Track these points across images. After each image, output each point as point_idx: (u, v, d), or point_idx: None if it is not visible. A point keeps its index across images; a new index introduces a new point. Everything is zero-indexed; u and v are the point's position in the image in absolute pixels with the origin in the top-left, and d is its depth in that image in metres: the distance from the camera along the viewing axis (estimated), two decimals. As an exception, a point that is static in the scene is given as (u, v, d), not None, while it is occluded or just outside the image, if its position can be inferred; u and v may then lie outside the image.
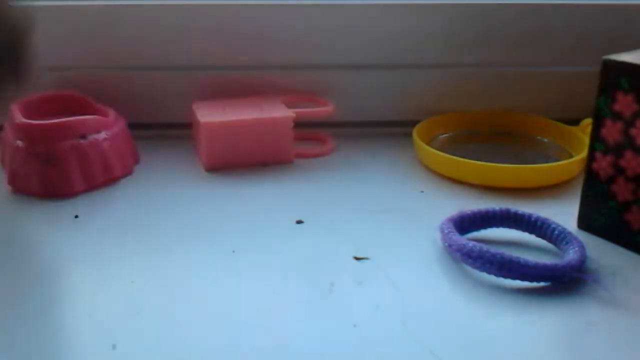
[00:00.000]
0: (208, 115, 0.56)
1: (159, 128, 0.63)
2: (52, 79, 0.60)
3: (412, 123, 0.60)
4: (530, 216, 0.45)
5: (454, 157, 0.54)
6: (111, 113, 0.55)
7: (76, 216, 0.48)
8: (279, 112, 0.57)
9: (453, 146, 0.60)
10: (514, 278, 0.40)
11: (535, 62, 0.65)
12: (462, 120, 0.63)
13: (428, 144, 0.58)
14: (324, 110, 0.60)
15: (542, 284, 0.40)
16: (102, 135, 0.53)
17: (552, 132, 0.61)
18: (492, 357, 0.35)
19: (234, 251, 0.44)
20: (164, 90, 0.62)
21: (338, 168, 0.57)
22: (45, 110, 0.56)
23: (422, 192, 0.53)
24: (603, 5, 0.63)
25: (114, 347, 0.35)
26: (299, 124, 0.57)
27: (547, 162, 0.56)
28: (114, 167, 0.53)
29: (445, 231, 0.43)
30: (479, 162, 0.53)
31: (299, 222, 0.48)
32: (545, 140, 0.61)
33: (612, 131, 0.43)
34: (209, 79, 0.62)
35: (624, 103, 0.42)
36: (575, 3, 0.63)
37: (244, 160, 0.56)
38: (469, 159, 0.53)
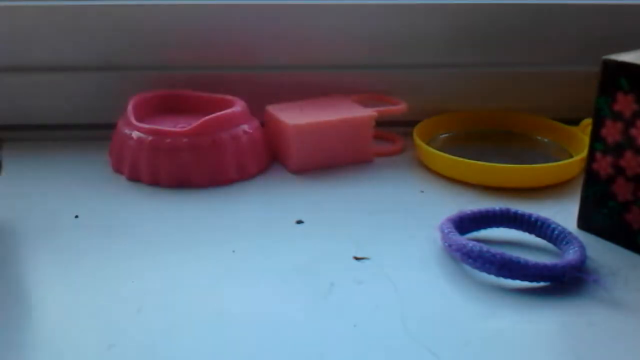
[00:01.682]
0: (291, 117, 0.56)
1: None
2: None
3: (412, 123, 0.60)
4: (530, 216, 0.45)
5: (454, 157, 0.54)
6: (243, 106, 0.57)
7: (76, 216, 0.48)
8: (361, 111, 0.58)
9: (453, 146, 0.60)
10: (514, 278, 0.40)
11: (535, 62, 0.64)
12: (462, 120, 0.63)
13: (428, 144, 0.58)
14: (398, 108, 0.60)
15: (542, 284, 0.40)
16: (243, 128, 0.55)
17: (552, 132, 0.61)
18: (492, 357, 0.35)
19: (234, 251, 0.44)
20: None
21: (337, 168, 0.57)
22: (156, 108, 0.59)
23: (422, 192, 0.53)
24: (603, 5, 0.63)
25: (112, 347, 0.35)
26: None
27: (547, 162, 0.56)
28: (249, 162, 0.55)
29: (445, 231, 0.43)
30: (479, 162, 0.53)
31: (299, 222, 0.48)
32: (545, 140, 0.61)
33: (612, 131, 0.43)
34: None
35: (624, 103, 0.42)
36: (575, 3, 0.63)
37: (328, 161, 0.57)
38: (469, 159, 0.53)
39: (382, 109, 0.59)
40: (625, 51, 0.44)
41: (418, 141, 0.57)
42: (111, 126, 0.58)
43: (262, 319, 0.37)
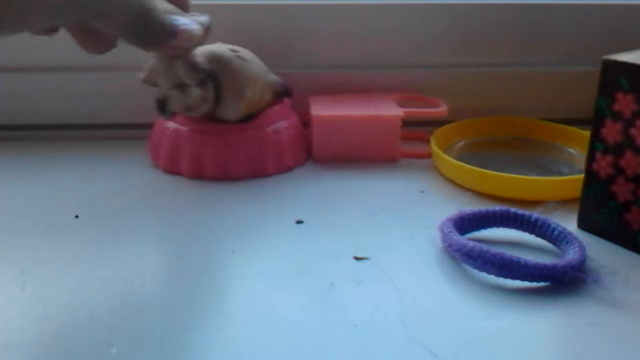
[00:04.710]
0: (320, 109, 0.58)
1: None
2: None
3: (410, 123, 0.60)
4: (530, 216, 0.45)
5: (473, 167, 0.52)
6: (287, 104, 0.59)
7: (76, 216, 0.48)
8: (389, 110, 0.58)
9: (474, 154, 0.59)
10: (514, 278, 0.40)
11: (535, 62, 0.65)
12: (482, 127, 0.61)
13: (446, 151, 0.56)
14: (435, 111, 0.59)
15: (542, 284, 0.40)
16: (283, 124, 0.57)
17: (578, 140, 0.58)
18: (492, 357, 0.35)
19: (234, 251, 0.44)
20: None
21: (337, 168, 0.57)
22: None
23: (422, 192, 0.53)
24: (603, 5, 0.63)
25: (111, 346, 0.35)
26: (409, 124, 0.58)
27: (571, 172, 0.54)
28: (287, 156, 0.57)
29: (445, 231, 0.43)
30: (503, 174, 0.50)
31: (299, 222, 0.48)
32: (571, 150, 0.59)
33: (612, 131, 0.43)
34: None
35: (624, 103, 0.42)
36: (575, 3, 0.63)
37: (352, 155, 0.58)
38: (491, 169, 0.51)
39: (414, 110, 0.59)
40: (625, 51, 0.44)
41: (436, 149, 0.55)
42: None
43: (262, 318, 0.37)
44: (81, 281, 0.41)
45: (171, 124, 0.56)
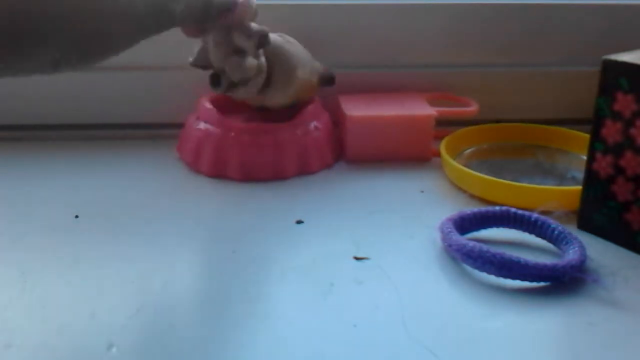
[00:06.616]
0: (352, 108, 0.58)
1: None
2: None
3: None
4: (530, 216, 0.45)
5: (481, 175, 0.51)
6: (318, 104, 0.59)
7: (76, 216, 0.48)
8: (422, 110, 0.58)
9: (485, 161, 0.58)
10: (514, 278, 0.40)
11: (535, 62, 0.65)
12: (493, 133, 0.60)
13: (457, 156, 0.56)
14: (466, 110, 0.60)
15: (542, 284, 0.40)
16: (313, 125, 0.57)
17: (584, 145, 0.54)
18: (492, 357, 0.35)
19: (234, 251, 0.44)
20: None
21: (338, 168, 0.57)
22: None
23: (422, 192, 0.53)
24: (603, 5, 0.63)
25: (111, 346, 0.35)
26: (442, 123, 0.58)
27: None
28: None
29: (445, 231, 0.43)
30: (512, 183, 0.49)
31: (299, 222, 0.48)
32: (583, 157, 0.54)
33: (612, 131, 0.43)
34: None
35: (624, 103, 0.42)
36: (575, 3, 0.63)
37: (384, 154, 0.58)
38: (505, 176, 0.50)
39: (447, 109, 0.59)
40: (625, 51, 0.44)
41: (446, 157, 0.54)
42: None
43: (262, 318, 0.37)
44: (81, 281, 0.41)
45: (213, 129, 0.55)
